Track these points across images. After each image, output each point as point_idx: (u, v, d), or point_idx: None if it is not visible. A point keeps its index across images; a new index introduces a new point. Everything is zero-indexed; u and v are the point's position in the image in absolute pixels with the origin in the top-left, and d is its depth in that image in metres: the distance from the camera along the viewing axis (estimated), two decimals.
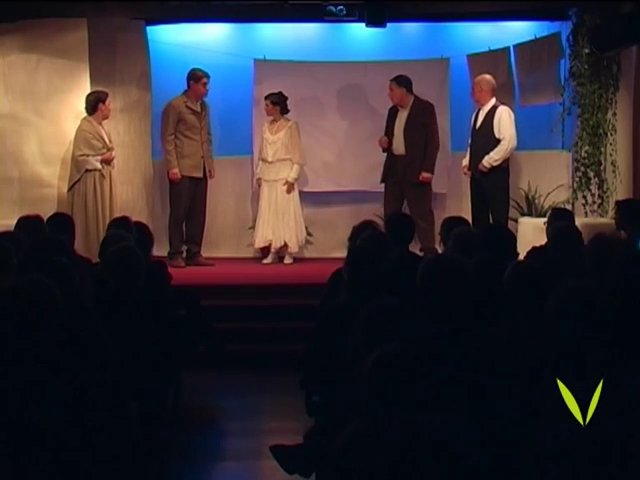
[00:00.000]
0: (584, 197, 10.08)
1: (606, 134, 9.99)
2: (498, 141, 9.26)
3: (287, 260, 10.15)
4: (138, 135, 10.01)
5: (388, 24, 9.64)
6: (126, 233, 6.20)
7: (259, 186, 10.18)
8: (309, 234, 10.43)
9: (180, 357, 6.04)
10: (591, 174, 10.09)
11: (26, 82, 9.62)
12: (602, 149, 10.03)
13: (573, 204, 10.09)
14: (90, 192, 9.27)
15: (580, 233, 6.04)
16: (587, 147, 10.07)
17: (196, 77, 9.75)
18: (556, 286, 3.86)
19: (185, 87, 9.84)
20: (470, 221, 9.01)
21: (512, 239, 5.96)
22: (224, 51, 10.44)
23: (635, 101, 9.61)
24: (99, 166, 9.32)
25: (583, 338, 3.59)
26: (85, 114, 9.41)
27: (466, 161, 9.53)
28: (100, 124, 9.43)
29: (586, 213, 9.97)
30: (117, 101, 10.03)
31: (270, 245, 10.10)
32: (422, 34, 10.76)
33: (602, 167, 10.06)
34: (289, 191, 10.02)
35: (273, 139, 10.02)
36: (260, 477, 5.73)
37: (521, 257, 5.84)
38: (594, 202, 10.05)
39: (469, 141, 9.57)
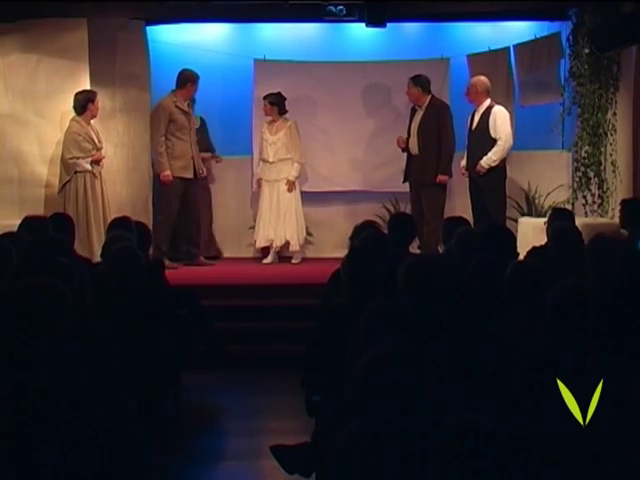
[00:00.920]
0: (584, 197, 10.08)
1: (606, 134, 9.99)
2: (494, 141, 9.23)
3: (295, 260, 10.15)
4: (137, 135, 9.99)
5: (388, 24, 9.64)
6: (129, 234, 6.21)
7: (259, 187, 10.18)
8: (309, 234, 10.44)
9: (180, 357, 6.04)
10: (591, 174, 10.09)
11: (26, 82, 9.61)
12: (602, 149, 10.03)
13: (573, 204, 10.09)
14: (81, 193, 9.25)
15: (580, 233, 6.04)
16: (587, 147, 10.06)
17: (193, 79, 9.72)
18: (553, 286, 3.87)
19: (174, 87, 9.76)
20: (472, 221, 9.05)
21: (512, 239, 5.96)
22: (224, 51, 10.45)
23: (635, 101, 9.61)
24: (89, 167, 9.29)
25: (581, 337, 3.59)
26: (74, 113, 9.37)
27: (464, 162, 9.51)
28: (89, 124, 9.39)
29: (586, 213, 9.97)
30: (117, 101, 10.02)
31: (271, 245, 10.11)
32: (422, 34, 10.76)
33: (602, 167, 10.06)
34: (290, 190, 10.03)
35: (273, 139, 10.03)
36: (260, 477, 5.73)
37: (521, 257, 5.84)
38: (594, 202, 10.05)
39: (466, 142, 9.56)
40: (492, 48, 10.25)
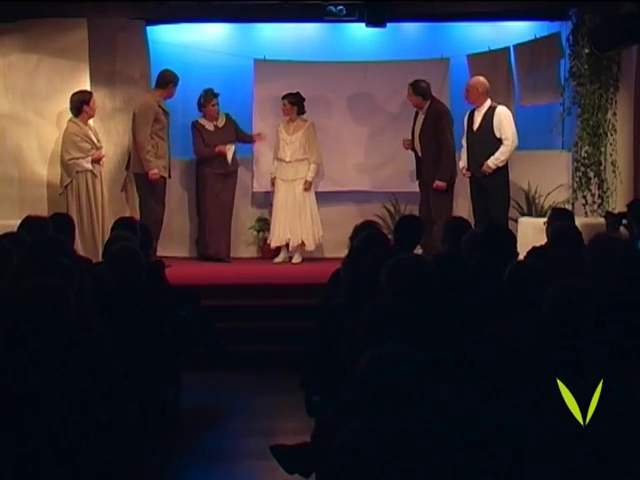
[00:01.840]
0: (584, 197, 10.08)
1: (606, 134, 9.99)
2: (499, 141, 9.24)
3: (296, 260, 10.16)
4: None
5: (388, 24, 9.63)
6: (131, 234, 6.21)
7: (273, 185, 10.19)
8: None
9: (180, 357, 6.04)
10: (591, 174, 10.09)
11: (26, 82, 9.61)
12: (602, 149, 10.03)
13: (573, 204, 10.09)
14: (83, 192, 9.25)
15: (580, 233, 6.04)
16: (587, 147, 10.06)
17: (175, 80, 9.71)
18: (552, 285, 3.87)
19: (156, 87, 9.74)
20: (473, 221, 9.04)
21: (512, 239, 5.96)
22: (224, 51, 10.45)
23: (635, 101, 9.62)
24: (89, 167, 9.29)
25: (580, 337, 3.59)
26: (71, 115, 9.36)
27: (463, 162, 9.48)
28: (87, 124, 9.37)
29: (586, 213, 9.97)
30: (117, 101, 10.03)
31: (288, 244, 10.12)
32: (422, 34, 10.76)
33: (602, 167, 10.06)
34: (308, 189, 10.09)
35: (291, 139, 10.06)
36: (260, 477, 5.72)
37: (521, 257, 5.84)
38: (594, 202, 10.05)
39: (463, 142, 9.51)
40: (492, 48, 10.25)
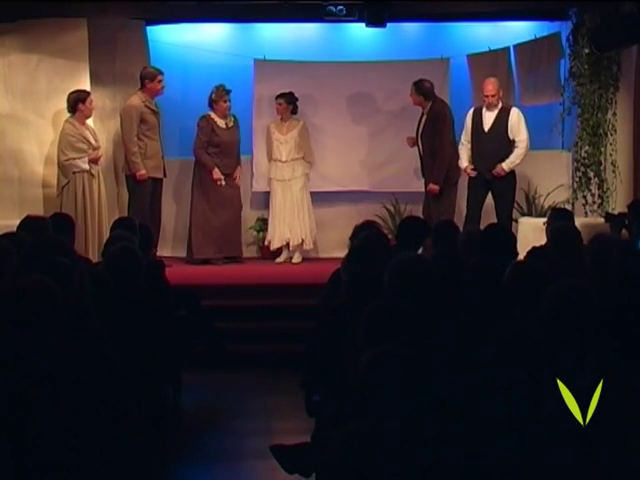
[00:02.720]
0: (584, 197, 10.09)
1: (606, 134, 10.00)
2: (510, 143, 9.18)
3: (296, 259, 10.16)
4: None
5: (388, 24, 9.63)
6: (130, 234, 6.21)
7: (269, 187, 10.18)
8: None
9: (180, 357, 6.04)
10: (591, 174, 10.10)
11: (26, 82, 9.61)
12: (602, 149, 10.03)
13: (573, 204, 10.09)
14: (79, 193, 9.23)
15: (579, 233, 6.04)
16: (587, 147, 10.07)
17: (151, 75, 9.56)
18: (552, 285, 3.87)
19: (141, 86, 9.61)
20: (463, 220, 9.06)
21: (512, 239, 5.96)
22: (224, 51, 10.45)
23: (635, 101, 9.62)
24: (86, 167, 9.27)
25: (580, 337, 3.59)
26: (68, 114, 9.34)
27: (465, 162, 9.43)
28: (83, 124, 9.35)
29: (586, 213, 9.98)
30: (117, 101, 10.03)
31: (288, 244, 10.12)
32: (422, 34, 10.76)
33: (602, 167, 10.06)
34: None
35: (285, 139, 10.06)
36: (260, 477, 5.73)
37: (521, 257, 5.84)
38: (594, 202, 10.06)
39: (463, 141, 9.41)
40: (492, 48, 10.25)
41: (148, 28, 10.16)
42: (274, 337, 8.09)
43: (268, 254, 10.29)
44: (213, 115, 9.94)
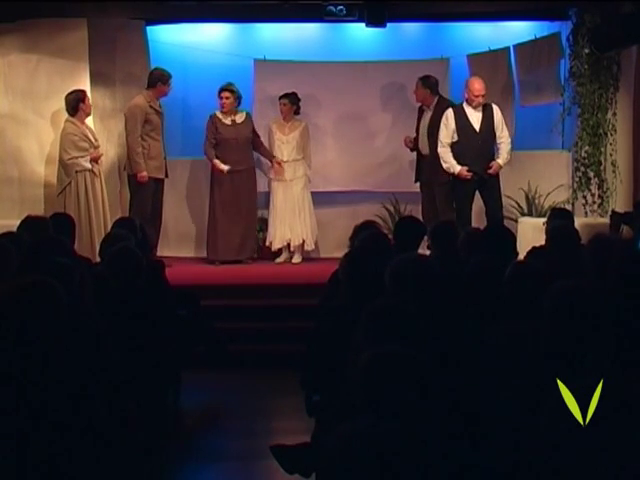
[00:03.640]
0: (584, 197, 10.09)
1: (606, 134, 10.00)
2: (495, 139, 9.22)
3: (296, 260, 10.16)
4: None
5: (388, 24, 9.64)
6: (127, 233, 6.21)
7: (269, 187, 10.18)
8: None
9: (180, 357, 6.04)
10: (591, 174, 10.10)
11: (26, 82, 9.62)
12: (602, 149, 10.04)
13: (573, 204, 10.10)
14: (82, 192, 9.24)
15: (577, 232, 6.04)
16: (587, 147, 10.07)
17: (164, 79, 9.60)
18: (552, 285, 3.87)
19: (147, 86, 9.64)
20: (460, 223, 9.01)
21: (512, 239, 5.96)
22: (224, 51, 10.45)
23: (635, 101, 9.62)
24: (89, 166, 9.28)
25: (580, 338, 3.59)
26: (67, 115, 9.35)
27: (457, 165, 9.09)
28: (84, 123, 9.37)
29: (586, 213, 9.98)
30: (117, 101, 10.04)
31: (289, 244, 10.12)
32: (422, 34, 10.77)
33: (602, 167, 10.07)
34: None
35: (287, 139, 10.06)
36: (260, 477, 5.73)
37: (521, 257, 5.84)
38: (594, 202, 10.06)
39: (446, 143, 9.18)
40: (492, 48, 10.25)
41: (148, 28, 10.17)
42: (274, 337, 8.09)
43: (268, 254, 10.29)
44: (218, 113, 9.94)
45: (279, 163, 10.02)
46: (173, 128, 10.34)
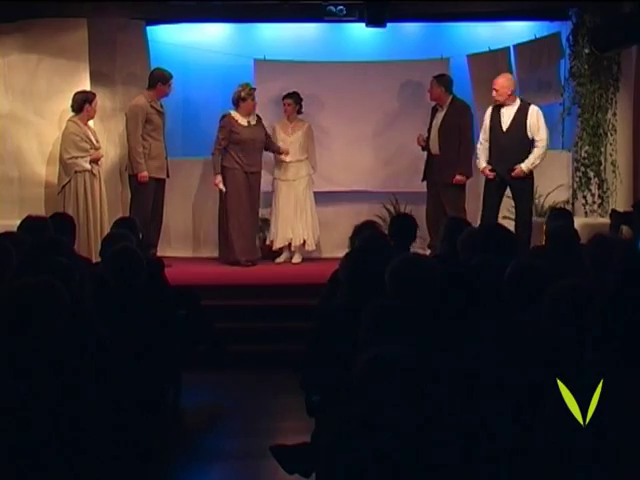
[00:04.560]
0: (584, 197, 10.09)
1: (606, 134, 10.00)
2: (530, 142, 8.99)
3: (296, 260, 10.16)
4: None
5: (388, 24, 9.62)
6: (128, 233, 6.21)
7: (272, 186, 10.18)
8: None
9: (180, 357, 6.04)
10: (591, 174, 10.10)
11: (26, 82, 9.61)
12: (602, 149, 10.04)
13: (573, 204, 10.10)
14: (81, 192, 9.23)
15: (576, 232, 6.04)
16: (587, 147, 10.07)
17: (165, 79, 9.58)
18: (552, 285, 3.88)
19: (148, 87, 9.61)
20: (479, 221, 8.97)
21: (512, 239, 5.96)
22: (224, 51, 10.45)
23: (635, 101, 9.63)
24: (88, 167, 9.27)
25: (580, 337, 3.59)
26: (72, 113, 9.34)
27: (483, 162, 9.11)
28: (86, 124, 9.36)
29: (586, 213, 9.98)
30: (117, 101, 10.03)
31: (290, 244, 10.12)
32: (422, 34, 10.76)
33: (602, 167, 10.07)
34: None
35: (291, 139, 10.06)
36: (260, 477, 5.73)
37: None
38: (594, 202, 10.06)
39: (484, 141, 9.20)
40: (492, 48, 10.25)
41: (148, 28, 10.17)
42: (274, 337, 8.09)
43: (268, 254, 10.28)
44: (234, 113, 9.84)
45: (286, 151, 10.01)
46: (172, 128, 10.33)
